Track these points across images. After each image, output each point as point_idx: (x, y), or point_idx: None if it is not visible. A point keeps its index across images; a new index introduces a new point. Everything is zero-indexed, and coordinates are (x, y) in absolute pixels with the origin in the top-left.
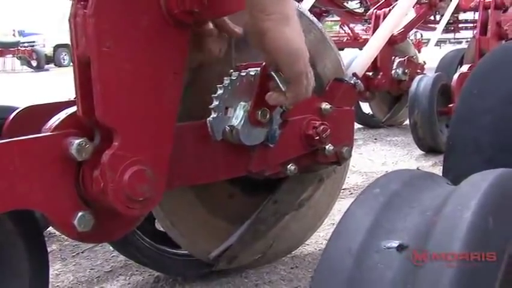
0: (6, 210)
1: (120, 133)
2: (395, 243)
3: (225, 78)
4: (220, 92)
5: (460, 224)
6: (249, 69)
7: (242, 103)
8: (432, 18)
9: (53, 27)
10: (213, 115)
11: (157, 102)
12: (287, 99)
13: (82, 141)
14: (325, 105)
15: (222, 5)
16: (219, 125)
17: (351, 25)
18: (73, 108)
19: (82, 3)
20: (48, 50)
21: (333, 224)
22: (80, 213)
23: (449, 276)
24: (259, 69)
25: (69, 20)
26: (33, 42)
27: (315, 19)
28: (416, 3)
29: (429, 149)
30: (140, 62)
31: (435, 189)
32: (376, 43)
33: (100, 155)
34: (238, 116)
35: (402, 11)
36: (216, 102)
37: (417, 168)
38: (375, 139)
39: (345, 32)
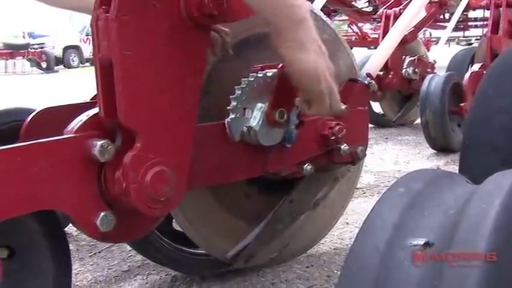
0: (31, 210)
1: (142, 134)
2: (421, 241)
3: (243, 79)
4: (238, 92)
5: (484, 222)
6: (266, 70)
7: (260, 104)
8: (441, 16)
9: (62, 28)
10: (231, 116)
11: (177, 104)
12: (311, 112)
13: (104, 142)
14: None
15: (240, 9)
16: (237, 126)
17: (360, 24)
18: (94, 110)
19: (103, 7)
20: (57, 52)
21: (347, 223)
22: (102, 214)
23: (476, 275)
24: (276, 70)
25: (91, 24)
26: (43, 44)
27: (328, 20)
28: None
29: (441, 148)
30: (161, 64)
31: (457, 188)
32: (389, 44)
33: (121, 156)
34: (256, 116)
35: (415, 12)
36: (234, 103)
37: (438, 168)
38: (387, 138)
39: (353, 31)
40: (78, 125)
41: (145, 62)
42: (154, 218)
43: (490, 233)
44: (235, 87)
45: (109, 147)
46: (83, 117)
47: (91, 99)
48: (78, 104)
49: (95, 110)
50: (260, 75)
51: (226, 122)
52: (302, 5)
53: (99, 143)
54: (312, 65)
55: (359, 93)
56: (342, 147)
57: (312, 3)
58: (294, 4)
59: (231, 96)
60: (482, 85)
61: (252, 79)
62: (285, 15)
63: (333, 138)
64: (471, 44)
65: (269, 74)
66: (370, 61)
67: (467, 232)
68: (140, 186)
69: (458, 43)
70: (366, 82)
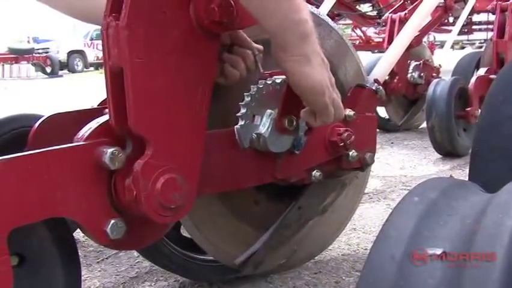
0: (41, 218)
1: (152, 142)
2: (438, 251)
3: (252, 86)
4: (247, 99)
5: (502, 231)
6: (275, 77)
7: (269, 111)
8: (445, 20)
9: (66, 33)
10: (241, 123)
11: (188, 111)
12: (317, 124)
13: (114, 150)
14: (349, 112)
15: (250, 16)
16: (247, 133)
17: (363, 28)
18: (104, 117)
19: (114, 15)
20: (62, 56)
21: (355, 229)
22: (112, 221)
23: (495, 282)
24: (285, 77)
25: (101, 32)
26: (48, 48)
27: (335, 25)
28: None
29: (447, 152)
30: (171, 72)
31: (472, 197)
32: (396, 49)
33: (131, 163)
34: (265, 123)
35: (422, 17)
36: (243, 110)
37: (451, 176)
38: (392, 143)
39: (357, 35)
40: (88, 132)
41: (156, 69)
42: (164, 225)
43: (508, 243)
44: (245, 93)
45: (119, 155)
46: (93, 124)
47: (98, 105)
48: (86, 110)
49: (105, 117)
50: (269, 81)
51: (235, 129)
52: (309, 19)
53: (109, 150)
54: (317, 78)
55: (367, 99)
56: (351, 153)
57: (318, 8)
58: (301, 19)
59: (240, 103)
60: (491, 91)
61: (261, 86)
62: (293, 30)
63: (341, 144)
64: (464, 47)
65: (278, 81)
66: (378, 66)
67: (485, 242)
68: (150, 193)
69: (452, 47)
70: (374, 88)
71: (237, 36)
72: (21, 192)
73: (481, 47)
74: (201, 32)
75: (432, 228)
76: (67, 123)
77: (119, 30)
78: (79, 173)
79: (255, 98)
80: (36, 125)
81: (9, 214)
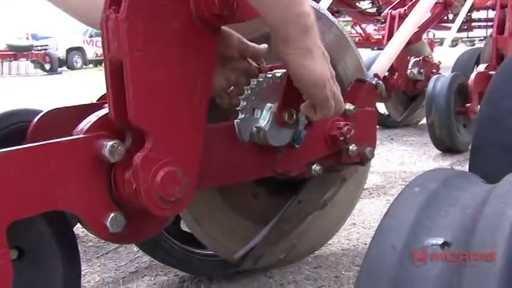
0: (40, 211)
1: (152, 135)
2: (439, 241)
3: (252, 79)
4: (247, 93)
5: (503, 221)
6: (275, 70)
7: (269, 104)
8: (445, 17)
9: (65, 30)
10: (240, 116)
11: (187, 104)
12: (317, 118)
13: (114, 143)
14: (349, 106)
15: (250, 9)
16: (246, 127)
17: (363, 25)
18: (103, 111)
19: (113, 7)
20: (61, 53)
21: (354, 224)
22: (112, 214)
23: (496, 274)
24: (285, 70)
25: (101, 25)
26: (47, 45)
27: (335, 20)
28: None
29: (447, 148)
30: (171, 64)
31: (473, 187)
32: (396, 45)
33: (131, 156)
34: (265, 117)
35: (422, 13)
36: (243, 104)
37: (451, 167)
38: (392, 139)
39: (357, 32)
40: (88, 126)
41: (155, 62)
42: (164, 219)
43: (509, 233)
44: (245, 87)
45: (119, 148)
46: (93, 117)
47: (97, 100)
48: (85, 105)
49: (105, 111)
50: (269, 75)
51: (235, 123)
52: (310, 12)
53: (109, 143)
54: (319, 70)
55: (367, 94)
56: (351, 147)
57: (318, 2)
58: (303, 11)
59: (240, 97)
60: (491, 86)
61: (261, 79)
62: (295, 22)
63: (341, 138)
64: (457, 45)
65: (278, 75)
66: (377, 62)
67: (486, 232)
68: (150, 186)
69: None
70: (374, 82)
71: (246, 49)
72: (20, 185)
73: (473, 45)
74: (201, 25)
75: (433, 218)
76: (66, 118)
77: (119, 22)
78: (79, 166)
79: (255, 91)
80: (36, 119)
81: (9, 207)
